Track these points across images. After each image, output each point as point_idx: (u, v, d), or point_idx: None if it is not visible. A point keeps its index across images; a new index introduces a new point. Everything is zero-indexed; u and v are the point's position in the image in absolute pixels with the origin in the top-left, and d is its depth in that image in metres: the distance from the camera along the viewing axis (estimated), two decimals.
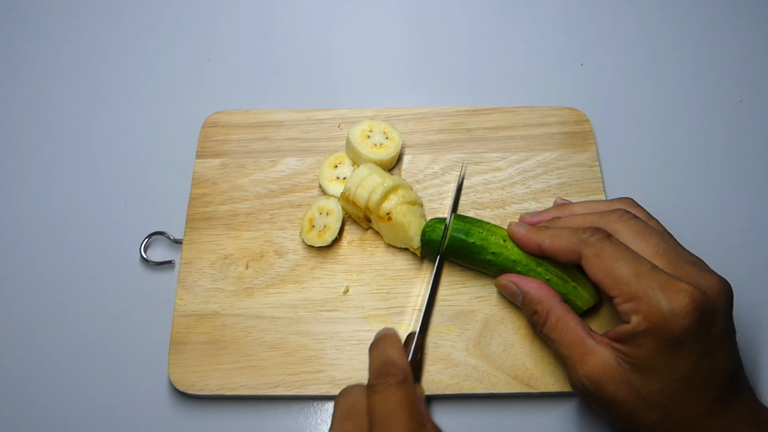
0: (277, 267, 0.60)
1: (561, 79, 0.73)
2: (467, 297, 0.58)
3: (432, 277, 0.58)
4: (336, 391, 0.55)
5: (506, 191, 0.64)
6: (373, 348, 0.51)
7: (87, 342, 0.59)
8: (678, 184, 0.66)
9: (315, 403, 0.57)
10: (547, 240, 0.52)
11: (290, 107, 0.69)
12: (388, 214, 0.58)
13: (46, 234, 0.64)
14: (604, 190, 0.64)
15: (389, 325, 0.57)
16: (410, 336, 0.55)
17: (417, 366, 0.55)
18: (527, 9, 0.78)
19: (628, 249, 0.48)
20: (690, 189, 0.66)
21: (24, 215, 0.65)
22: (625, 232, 0.49)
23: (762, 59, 0.74)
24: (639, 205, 0.54)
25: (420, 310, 0.57)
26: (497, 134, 0.67)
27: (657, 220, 0.53)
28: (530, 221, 0.57)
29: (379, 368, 0.48)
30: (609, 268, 0.47)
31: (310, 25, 0.77)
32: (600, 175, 0.64)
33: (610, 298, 0.47)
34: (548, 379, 0.55)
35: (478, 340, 0.57)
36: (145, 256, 0.62)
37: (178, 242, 0.62)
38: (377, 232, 0.61)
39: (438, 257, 0.58)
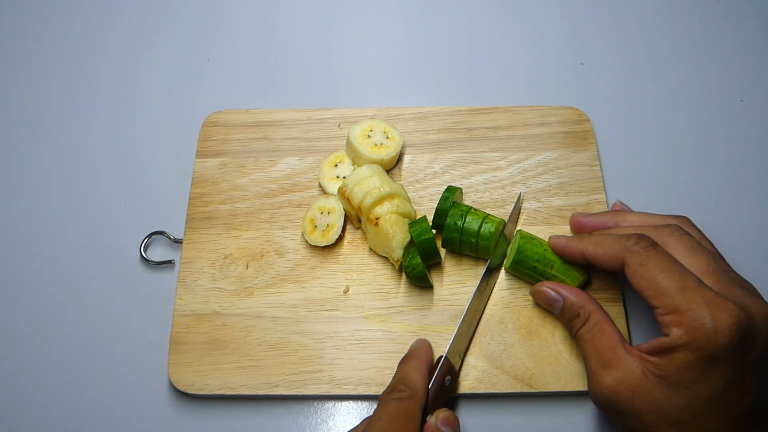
0: (277, 266, 0.60)
1: (561, 78, 0.73)
2: (467, 297, 0.58)
3: (472, 297, 0.56)
4: (336, 391, 0.55)
5: (506, 191, 0.64)
6: (400, 363, 0.53)
7: (87, 342, 0.59)
8: (678, 183, 0.66)
9: (315, 403, 0.57)
10: (590, 247, 0.51)
11: (290, 107, 0.68)
12: (377, 218, 0.58)
13: (46, 234, 0.64)
14: (605, 190, 0.63)
15: (390, 325, 0.57)
16: (439, 360, 0.53)
17: (449, 389, 0.53)
18: (527, 9, 0.77)
19: (674, 260, 0.47)
20: (690, 188, 0.66)
21: (24, 215, 0.65)
22: (677, 247, 0.49)
23: (763, 58, 0.73)
24: (694, 225, 0.53)
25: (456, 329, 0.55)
26: (497, 134, 0.66)
27: (710, 242, 0.52)
28: (582, 221, 0.56)
29: (391, 385, 0.51)
30: (653, 278, 0.46)
31: (311, 24, 0.77)
32: (600, 174, 0.64)
33: (651, 308, 0.47)
34: (548, 379, 0.55)
35: (478, 340, 0.57)
36: (145, 255, 0.62)
37: (178, 242, 0.62)
38: None
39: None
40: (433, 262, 0.58)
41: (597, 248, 0.51)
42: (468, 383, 0.55)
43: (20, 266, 0.63)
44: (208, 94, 0.72)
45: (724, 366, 0.43)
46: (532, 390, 0.54)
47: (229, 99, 0.71)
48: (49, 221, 0.65)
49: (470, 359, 0.56)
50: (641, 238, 0.49)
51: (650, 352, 0.46)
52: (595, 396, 0.49)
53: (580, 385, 0.54)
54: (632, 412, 0.46)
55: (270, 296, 0.59)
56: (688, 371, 0.44)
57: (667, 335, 0.45)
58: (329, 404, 0.57)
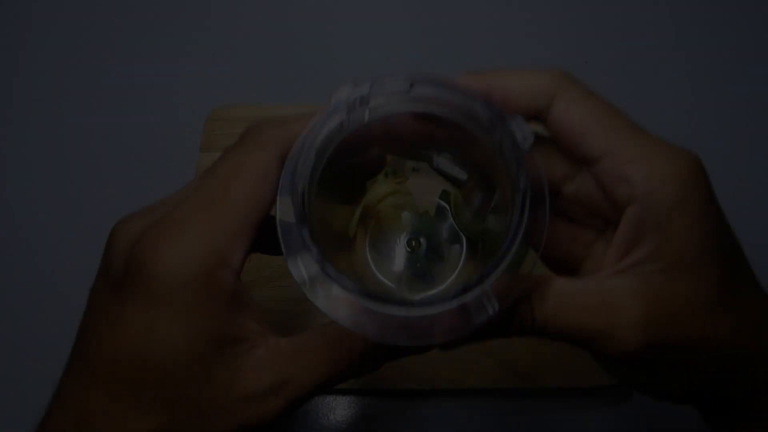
0: (281, 260, 0.60)
1: None
2: None
3: None
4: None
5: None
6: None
7: None
8: None
9: (315, 397, 0.57)
10: (498, 80, 0.33)
11: (295, 102, 0.68)
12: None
13: (49, 231, 0.64)
14: None
15: None
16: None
17: None
18: (528, 5, 0.78)
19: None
20: None
21: (26, 212, 0.65)
22: None
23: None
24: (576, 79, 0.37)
25: None
26: None
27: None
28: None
29: None
30: (604, 116, 0.33)
31: (317, 18, 0.77)
32: None
33: (587, 164, 0.33)
34: (549, 375, 0.55)
35: None
36: None
37: None
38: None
39: None
40: None
41: (510, 81, 0.33)
42: (469, 379, 0.55)
43: (21, 264, 0.63)
44: (212, 88, 0.72)
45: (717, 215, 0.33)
46: (533, 386, 0.55)
47: (233, 93, 0.71)
48: (51, 217, 0.65)
49: (470, 354, 0.56)
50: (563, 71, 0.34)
51: (627, 246, 0.32)
52: (627, 362, 0.31)
53: (581, 382, 0.54)
54: (689, 340, 0.31)
55: (273, 290, 0.59)
56: (692, 225, 0.31)
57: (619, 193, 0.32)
58: (330, 398, 0.57)
